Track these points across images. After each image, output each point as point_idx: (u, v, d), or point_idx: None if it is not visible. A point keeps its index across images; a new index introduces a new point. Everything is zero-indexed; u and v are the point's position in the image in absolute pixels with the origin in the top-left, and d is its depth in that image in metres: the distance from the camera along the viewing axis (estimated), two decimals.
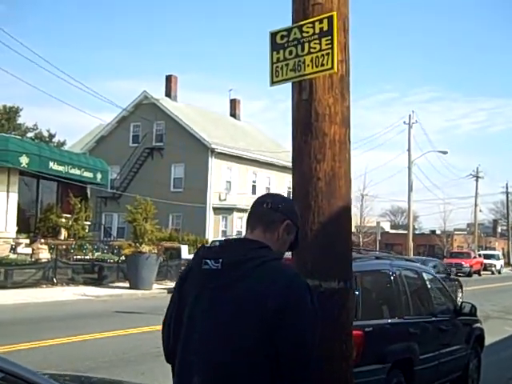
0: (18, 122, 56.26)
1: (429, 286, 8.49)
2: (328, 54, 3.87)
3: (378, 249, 47.52)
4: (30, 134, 55.49)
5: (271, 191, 46.54)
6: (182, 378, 2.70)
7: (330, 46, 3.86)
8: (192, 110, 47.61)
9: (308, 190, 3.96)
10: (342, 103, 4.02)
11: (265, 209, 2.79)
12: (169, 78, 47.61)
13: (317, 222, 3.92)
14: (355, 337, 6.38)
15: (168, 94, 46.93)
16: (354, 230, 59.69)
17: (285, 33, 4.08)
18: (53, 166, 26.53)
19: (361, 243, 52.34)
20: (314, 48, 3.93)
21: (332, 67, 3.86)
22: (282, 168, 44.91)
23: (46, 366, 9.14)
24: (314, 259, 3.89)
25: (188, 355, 2.66)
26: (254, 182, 46.07)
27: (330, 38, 3.86)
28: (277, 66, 4.12)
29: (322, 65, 3.89)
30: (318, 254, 3.89)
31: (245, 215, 43.76)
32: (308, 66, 3.95)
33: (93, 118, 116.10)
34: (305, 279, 2.71)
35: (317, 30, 3.92)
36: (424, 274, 8.57)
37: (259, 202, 2.86)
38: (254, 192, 45.75)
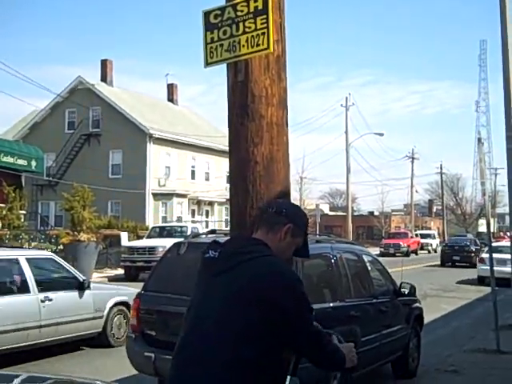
0: None
1: (369, 268, 8.52)
2: (264, 33, 3.75)
3: (317, 231, 47.94)
4: None
5: (211, 176, 46.39)
6: (176, 361, 2.86)
7: (265, 25, 3.74)
8: (129, 95, 46.79)
9: (246, 174, 3.85)
10: (279, 84, 3.91)
11: (270, 212, 3.03)
12: (104, 63, 46.54)
13: (255, 208, 3.81)
14: None
15: (104, 79, 45.91)
16: None
17: (218, 12, 3.94)
18: None
19: None
20: (249, 27, 3.80)
21: (268, 47, 3.74)
22: (221, 152, 44.64)
23: None
24: None
25: (186, 337, 2.87)
26: (193, 167, 45.67)
27: (265, 16, 3.74)
28: (211, 47, 3.97)
29: (258, 45, 3.77)
30: None
31: (184, 200, 43.51)
32: (243, 46, 3.82)
33: (26, 104, 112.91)
34: (296, 273, 3.01)
35: (251, 9, 3.79)
36: (364, 257, 8.59)
37: (265, 207, 3.17)
38: (193, 177, 45.40)
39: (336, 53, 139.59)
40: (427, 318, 13.02)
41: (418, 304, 9.68)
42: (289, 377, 3.08)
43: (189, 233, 21.44)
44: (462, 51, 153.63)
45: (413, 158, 69.85)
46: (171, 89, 52.59)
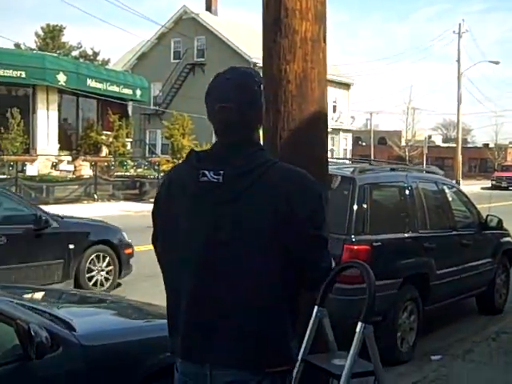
0: (62, 40, 56.15)
1: (450, 199, 8.09)
2: None
3: (424, 163, 46.69)
4: (74, 53, 55.43)
5: None
6: (170, 301, 2.47)
7: None
8: (233, 24, 46.44)
9: (277, 94, 3.62)
10: None
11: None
12: None
13: (287, 129, 3.60)
14: (361, 251, 6.16)
15: (208, 8, 45.82)
16: (404, 143, 58.59)
17: None
18: (91, 83, 26.40)
19: (407, 157, 51.45)
20: None
21: None
22: (335, 83, 43.68)
23: None
24: None
25: (179, 275, 2.40)
26: None
27: None
28: None
29: None
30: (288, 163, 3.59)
31: None
32: None
33: (132, 35, 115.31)
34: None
35: None
36: (445, 187, 8.15)
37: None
38: None
39: None
40: None
41: (508, 238, 9.15)
42: (316, 307, 2.98)
43: None
44: None
45: None
46: None
